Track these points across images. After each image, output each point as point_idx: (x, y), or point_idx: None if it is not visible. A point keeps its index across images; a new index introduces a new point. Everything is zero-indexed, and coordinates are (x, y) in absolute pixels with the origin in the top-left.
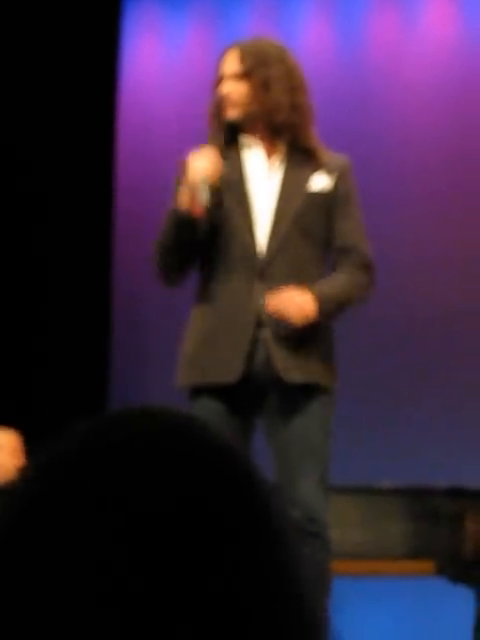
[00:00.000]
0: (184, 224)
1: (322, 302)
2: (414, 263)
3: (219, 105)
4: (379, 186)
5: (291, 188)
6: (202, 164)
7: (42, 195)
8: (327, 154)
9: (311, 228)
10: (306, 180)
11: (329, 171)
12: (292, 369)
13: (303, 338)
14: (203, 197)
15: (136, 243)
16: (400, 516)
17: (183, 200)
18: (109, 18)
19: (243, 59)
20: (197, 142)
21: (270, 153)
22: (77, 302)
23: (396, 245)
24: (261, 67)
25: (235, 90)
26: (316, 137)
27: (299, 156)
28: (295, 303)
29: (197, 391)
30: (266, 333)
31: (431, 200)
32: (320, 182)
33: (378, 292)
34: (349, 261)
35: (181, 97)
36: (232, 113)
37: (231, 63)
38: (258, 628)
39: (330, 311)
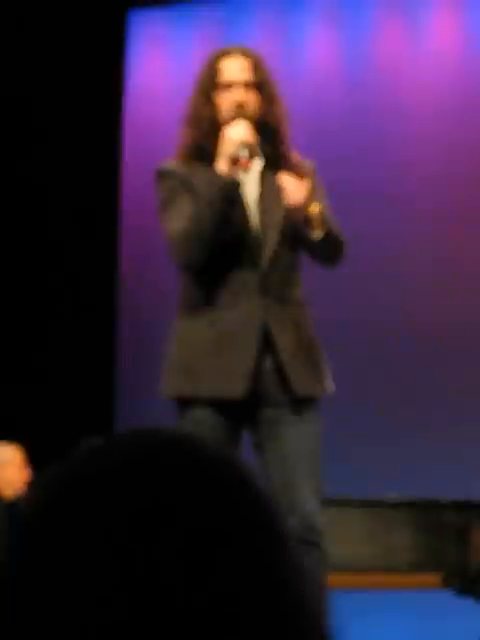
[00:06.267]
0: (228, 188)
1: (321, 209)
2: (420, 278)
3: (221, 110)
4: (381, 196)
5: (272, 197)
6: (237, 133)
7: (45, 212)
8: (295, 158)
9: (292, 235)
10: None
11: (299, 175)
12: (303, 382)
13: (308, 351)
14: (245, 156)
15: (141, 259)
16: (406, 529)
17: (223, 168)
18: (115, 31)
19: (256, 69)
20: None
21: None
22: (82, 318)
23: (402, 261)
24: (271, 79)
25: (249, 99)
26: (289, 143)
27: (272, 162)
28: (303, 189)
29: (189, 401)
30: (273, 347)
31: (435, 212)
32: None
33: (385, 307)
34: None
35: None
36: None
37: (243, 71)
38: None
39: (325, 220)
